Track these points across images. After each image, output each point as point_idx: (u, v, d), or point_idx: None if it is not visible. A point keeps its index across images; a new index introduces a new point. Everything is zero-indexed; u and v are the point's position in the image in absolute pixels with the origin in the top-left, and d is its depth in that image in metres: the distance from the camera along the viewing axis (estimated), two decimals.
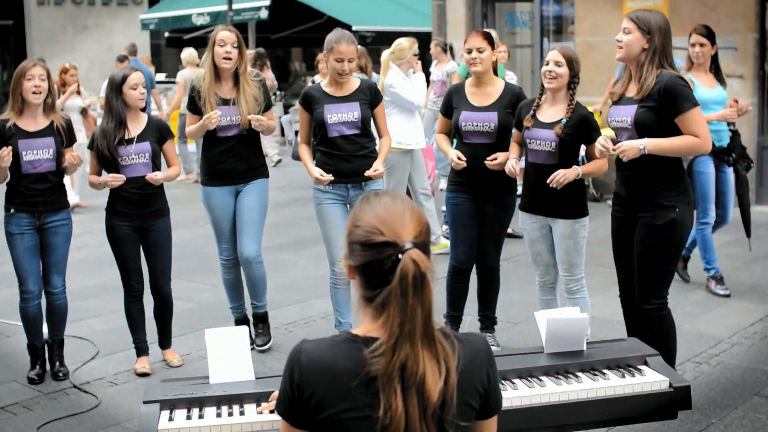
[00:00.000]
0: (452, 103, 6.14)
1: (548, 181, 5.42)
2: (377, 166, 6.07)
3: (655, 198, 4.85)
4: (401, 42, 8.57)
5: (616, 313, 6.68)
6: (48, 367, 6.06)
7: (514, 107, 5.94)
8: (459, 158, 5.92)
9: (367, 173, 6.02)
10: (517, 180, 6.14)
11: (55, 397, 5.71)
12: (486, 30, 6.41)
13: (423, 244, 2.27)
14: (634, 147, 4.73)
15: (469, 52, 5.98)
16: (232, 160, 6.20)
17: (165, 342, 6.29)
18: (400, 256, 2.20)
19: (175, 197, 12.33)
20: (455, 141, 6.26)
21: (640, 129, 4.79)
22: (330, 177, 6.00)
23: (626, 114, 4.86)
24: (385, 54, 8.56)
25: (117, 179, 5.73)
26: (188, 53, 14.72)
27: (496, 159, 5.82)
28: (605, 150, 4.99)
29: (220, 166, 6.22)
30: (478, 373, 2.32)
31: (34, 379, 5.91)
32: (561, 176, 5.39)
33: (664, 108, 4.74)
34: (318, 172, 6.02)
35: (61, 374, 5.98)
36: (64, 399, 5.68)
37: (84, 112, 11.81)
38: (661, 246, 4.89)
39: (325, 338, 2.31)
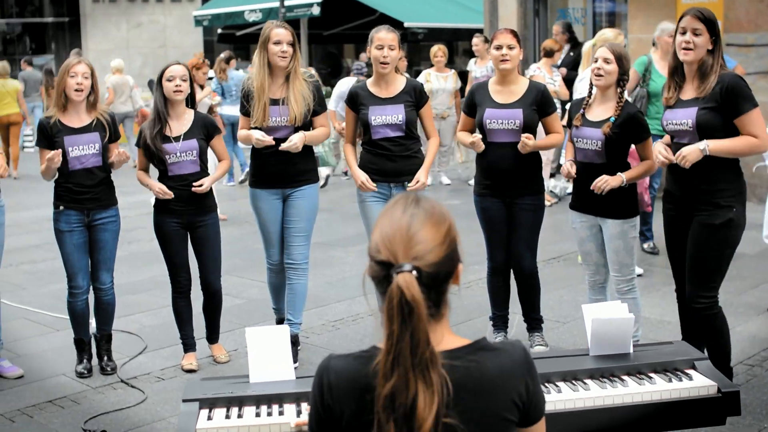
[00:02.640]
0: (476, 101, 6.03)
1: (591, 187, 5.37)
2: (420, 177, 5.97)
3: (713, 198, 4.79)
4: (605, 33, 8.18)
5: (667, 313, 6.60)
6: (96, 361, 6.11)
7: (539, 105, 5.87)
8: (479, 140, 5.85)
9: (409, 188, 5.94)
10: (544, 180, 6.09)
11: (103, 391, 5.75)
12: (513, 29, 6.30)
13: (430, 263, 2.12)
14: (694, 151, 4.65)
15: (499, 48, 5.89)
16: (281, 162, 5.98)
17: (213, 336, 6.30)
18: (394, 277, 2.09)
19: (226, 194, 12.41)
20: None
21: (702, 131, 4.72)
22: (374, 186, 5.96)
23: (686, 116, 4.78)
24: (587, 45, 8.33)
25: (164, 193, 5.78)
26: (117, 62, 16.33)
27: (529, 139, 5.71)
28: (666, 161, 4.91)
29: (268, 168, 6.04)
30: (514, 384, 2.20)
31: (83, 373, 5.96)
32: (603, 182, 5.32)
33: (726, 108, 4.67)
34: (363, 178, 5.97)
35: (109, 369, 6.03)
36: (111, 393, 5.72)
37: (211, 110, 11.58)
38: (717, 245, 4.84)
39: (353, 353, 2.23)
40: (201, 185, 5.83)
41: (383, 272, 2.11)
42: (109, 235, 5.92)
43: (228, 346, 6.40)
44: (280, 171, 6.03)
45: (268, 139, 5.83)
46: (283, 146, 5.83)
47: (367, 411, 2.13)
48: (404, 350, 2.05)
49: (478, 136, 5.89)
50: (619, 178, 5.33)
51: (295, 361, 6.09)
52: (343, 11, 22.24)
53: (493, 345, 2.23)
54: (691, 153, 4.66)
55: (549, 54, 11.26)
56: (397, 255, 2.10)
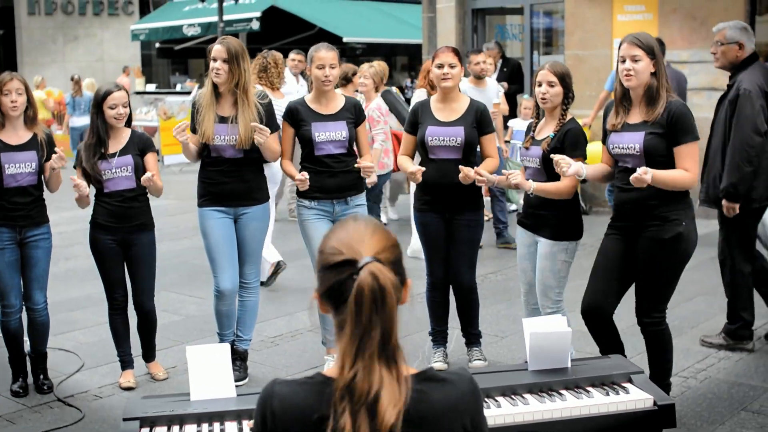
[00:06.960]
0: (418, 119, 6.04)
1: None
2: (368, 161, 5.93)
3: (662, 212, 4.84)
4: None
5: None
6: (32, 380, 6.01)
7: (479, 123, 5.90)
8: (417, 171, 5.82)
9: (360, 163, 5.88)
10: (483, 196, 6.12)
11: (39, 410, 5.66)
12: (455, 47, 6.32)
13: (389, 261, 2.11)
14: (645, 178, 4.60)
15: (440, 67, 5.91)
16: (231, 181, 5.88)
17: (149, 355, 6.23)
18: (359, 272, 2.06)
19: (164, 208, 12.30)
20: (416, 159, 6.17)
21: (649, 155, 4.78)
22: (306, 176, 5.82)
23: (633, 141, 4.83)
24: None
25: (79, 187, 5.66)
26: (89, 80, 18.30)
27: (467, 174, 5.63)
28: (562, 164, 4.93)
29: (217, 187, 5.90)
30: (460, 417, 2.15)
31: (18, 392, 5.86)
32: (512, 175, 5.34)
33: (669, 134, 4.75)
34: (299, 176, 5.83)
35: (45, 387, 5.93)
36: (47, 412, 5.63)
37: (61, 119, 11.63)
38: (667, 259, 4.91)
39: (298, 380, 2.16)
40: (148, 175, 5.67)
41: (346, 273, 2.08)
42: (41, 252, 5.83)
43: (166, 363, 6.34)
44: (231, 189, 5.91)
45: (183, 127, 5.73)
46: (254, 124, 5.68)
47: None
48: (374, 338, 2.03)
49: (420, 168, 5.85)
50: (529, 184, 5.31)
51: (244, 377, 6.07)
52: (283, 26, 22.25)
53: (439, 375, 2.18)
54: (643, 180, 4.60)
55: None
56: (360, 251, 2.08)
